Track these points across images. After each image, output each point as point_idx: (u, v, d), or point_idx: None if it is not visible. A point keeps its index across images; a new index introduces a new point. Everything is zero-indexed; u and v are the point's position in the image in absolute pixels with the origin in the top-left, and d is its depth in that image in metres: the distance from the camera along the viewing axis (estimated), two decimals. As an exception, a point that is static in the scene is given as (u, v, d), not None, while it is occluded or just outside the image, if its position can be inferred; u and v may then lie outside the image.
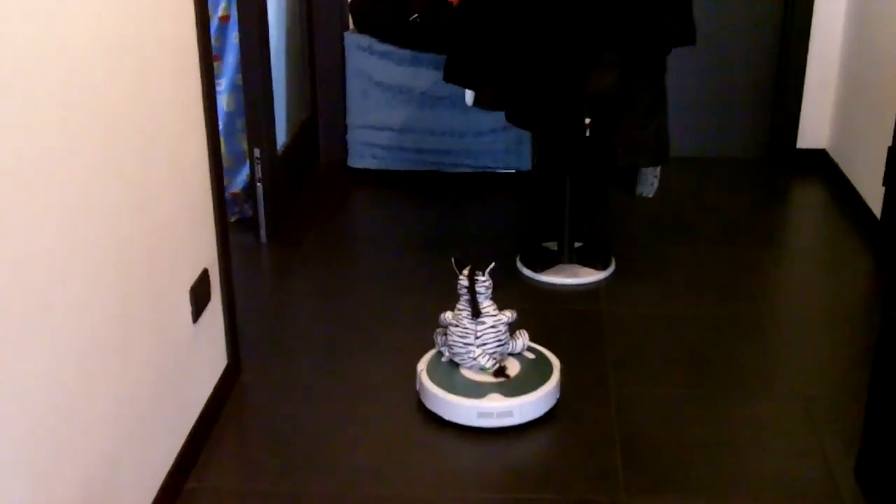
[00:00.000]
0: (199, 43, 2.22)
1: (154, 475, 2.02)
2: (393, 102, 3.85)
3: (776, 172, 4.06)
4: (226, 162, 3.60)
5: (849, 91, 3.82)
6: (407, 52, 3.77)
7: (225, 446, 2.31)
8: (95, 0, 1.68)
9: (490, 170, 3.91)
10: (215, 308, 2.40)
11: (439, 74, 3.58)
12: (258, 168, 3.31)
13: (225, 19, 3.39)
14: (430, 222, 3.58)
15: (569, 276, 3.12)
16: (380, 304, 2.98)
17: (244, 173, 3.54)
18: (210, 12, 2.87)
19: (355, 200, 3.86)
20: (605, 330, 2.83)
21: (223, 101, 3.49)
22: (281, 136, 3.65)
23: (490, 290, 2.45)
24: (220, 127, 3.55)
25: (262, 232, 3.40)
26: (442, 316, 2.52)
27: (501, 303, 2.53)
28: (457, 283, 2.46)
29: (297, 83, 3.95)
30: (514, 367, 2.48)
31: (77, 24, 1.61)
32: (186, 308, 2.19)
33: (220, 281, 2.42)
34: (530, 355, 2.54)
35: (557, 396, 2.47)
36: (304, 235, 3.46)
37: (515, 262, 3.21)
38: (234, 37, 3.37)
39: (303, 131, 3.92)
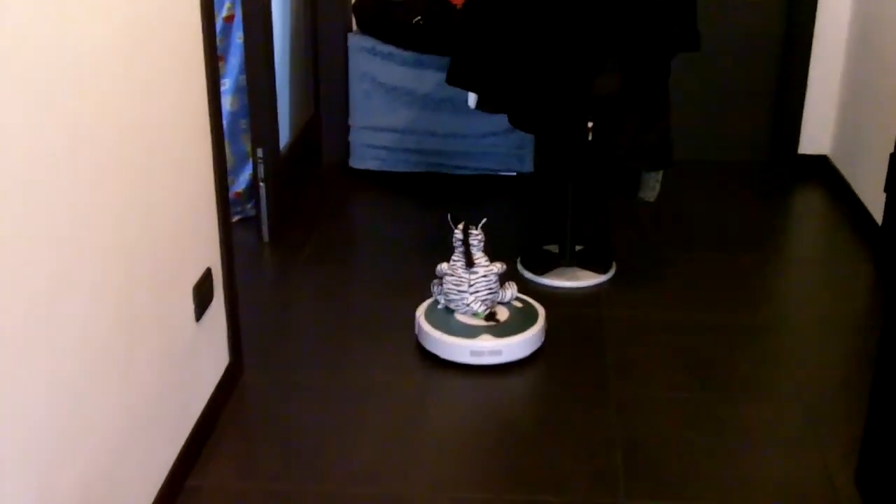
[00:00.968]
0: (204, 43, 2.23)
1: (156, 473, 2.03)
2: (395, 104, 3.85)
3: (778, 178, 4.06)
4: (229, 162, 3.60)
5: (851, 97, 3.83)
6: (410, 54, 3.78)
7: (226, 445, 2.32)
8: (102, 2, 1.68)
9: (492, 172, 3.91)
10: (218, 307, 2.40)
11: (442, 76, 3.59)
12: (261, 168, 3.32)
13: (229, 19, 3.40)
14: (431, 224, 3.58)
15: (569, 280, 3.12)
16: (381, 305, 2.99)
17: (247, 173, 3.54)
18: (214, 12, 2.87)
19: (357, 201, 3.87)
20: (606, 333, 2.83)
21: (227, 102, 3.49)
22: (284, 137, 3.65)
23: (482, 244, 2.72)
24: (224, 127, 3.55)
25: (265, 231, 3.41)
26: (439, 267, 2.76)
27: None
28: (452, 237, 2.70)
29: (300, 83, 3.96)
30: (503, 314, 2.74)
31: (84, 25, 1.62)
32: (189, 307, 2.20)
33: (223, 280, 2.43)
34: (518, 304, 2.80)
35: (542, 340, 2.72)
36: (306, 235, 3.47)
37: (516, 264, 3.22)
38: (238, 37, 3.38)
39: (305, 132, 3.93)
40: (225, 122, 3.54)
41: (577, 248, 3.24)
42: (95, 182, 1.67)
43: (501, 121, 3.67)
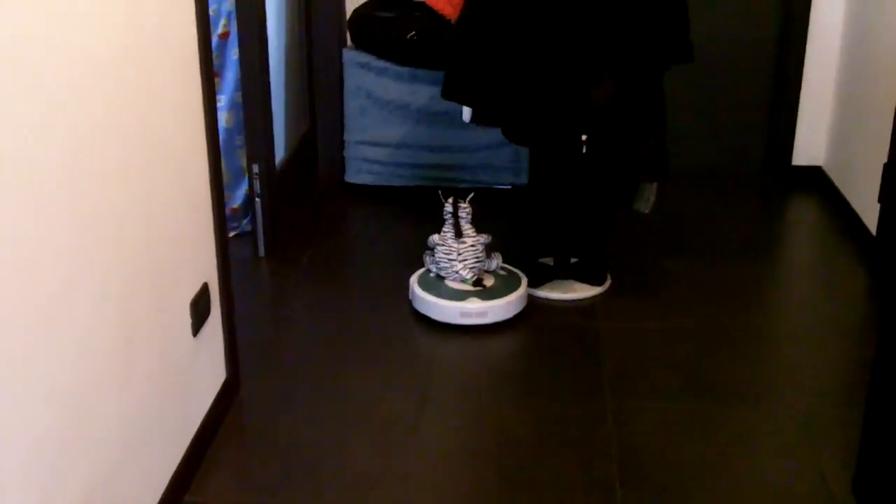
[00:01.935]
0: (200, 60, 2.24)
1: (154, 487, 2.03)
2: (390, 118, 3.87)
3: (772, 189, 4.08)
4: (225, 177, 3.60)
5: (844, 108, 3.85)
6: (405, 69, 3.80)
7: (223, 459, 2.32)
8: (102, 18, 1.70)
9: (486, 185, 3.93)
10: (215, 322, 2.41)
11: (436, 91, 3.60)
12: (256, 183, 3.33)
13: (225, 36, 3.42)
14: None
15: (565, 292, 3.13)
16: (377, 319, 2.99)
17: (243, 188, 3.55)
18: (211, 29, 2.89)
19: (353, 216, 3.88)
20: (602, 345, 2.84)
21: (223, 118, 3.50)
22: (279, 152, 3.66)
23: (470, 216, 2.98)
24: (220, 143, 3.57)
25: (261, 246, 3.42)
26: (431, 238, 3.00)
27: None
28: (443, 211, 2.95)
29: (295, 99, 3.98)
30: (489, 281, 3.01)
31: (82, 42, 1.63)
32: (187, 321, 2.20)
33: (220, 295, 2.43)
34: (503, 272, 3.07)
35: (524, 304, 3.00)
36: (302, 250, 3.48)
37: (512, 277, 3.23)
38: (233, 53, 3.40)
39: (301, 147, 3.95)
40: (221, 139, 3.54)
41: (573, 260, 3.25)
42: (94, 198, 1.68)
43: (495, 134, 3.68)
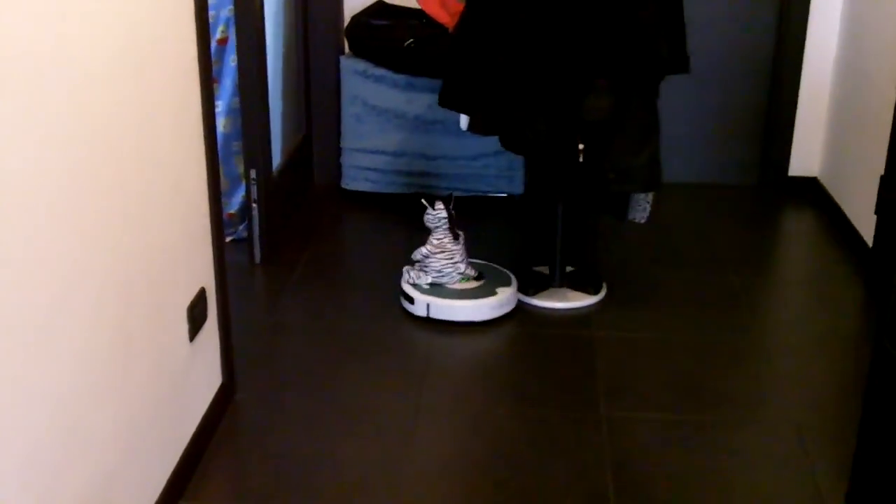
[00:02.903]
0: (199, 66, 2.24)
1: (149, 493, 2.03)
2: (387, 126, 3.87)
3: (768, 200, 4.08)
4: (222, 184, 3.61)
5: (840, 119, 3.86)
6: (401, 77, 3.80)
7: (219, 465, 2.31)
8: (100, 24, 1.70)
9: (482, 194, 3.93)
10: (211, 327, 2.41)
11: (433, 99, 3.61)
12: (254, 189, 3.33)
13: (223, 42, 3.42)
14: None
15: (560, 301, 3.14)
16: (372, 326, 2.99)
17: (240, 195, 3.55)
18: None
19: (349, 223, 3.88)
20: (596, 355, 2.84)
21: (220, 124, 3.50)
22: (276, 159, 3.67)
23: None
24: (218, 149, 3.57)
25: (257, 252, 3.42)
26: (419, 252, 3.04)
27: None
28: (427, 218, 3.02)
29: (292, 106, 3.98)
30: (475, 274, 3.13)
31: (80, 48, 1.63)
32: (184, 327, 2.20)
33: (217, 301, 2.43)
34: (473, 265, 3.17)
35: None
36: (298, 257, 3.47)
37: (508, 285, 3.23)
38: (231, 59, 3.40)
39: (297, 154, 3.95)
40: (219, 145, 3.55)
41: (568, 269, 3.26)
42: (91, 204, 1.68)
43: (491, 143, 3.68)
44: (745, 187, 4.17)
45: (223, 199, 3.59)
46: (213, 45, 3.38)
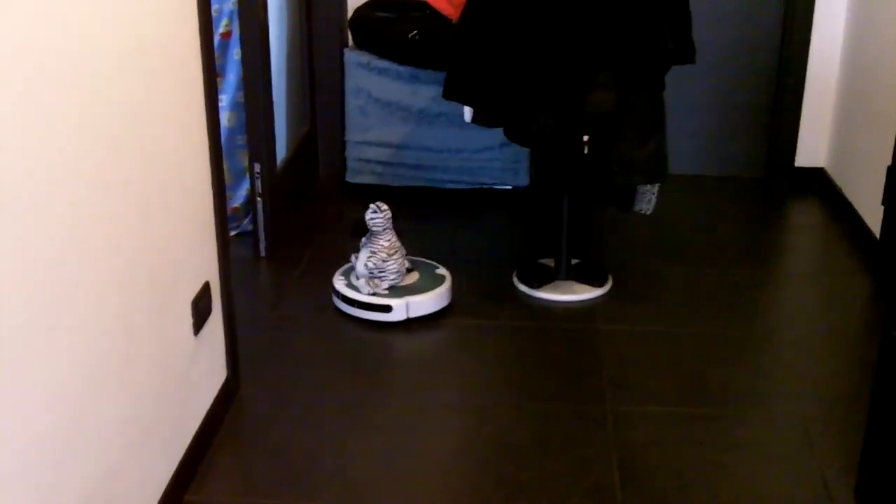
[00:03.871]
0: (203, 60, 2.24)
1: (154, 487, 2.03)
2: (391, 119, 3.86)
3: (775, 191, 4.07)
4: (226, 178, 3.61)
5: (847, 110, 3.84)
6: (406, 69, 3.79)
7: (223, 459, 2.31)
8: (102, 20, 1.69)
9: (487, 186, 3.92)
10: (216, 321, 2.40)
11: (437, 91, 3.60)
12: (258, 183, 3.32)
13: (227, 35, 3.41)
14: (426, 238, 3.59)
15: (565, 294, 3.13)
16: (376, 320, 2.98)
17: (244, 188, 3.55)
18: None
19: (353, 216, 3.87)
20: (601, 348, 2.83)
21: (224, 118, 3.49)
22: (281, 152, 3.66)
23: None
24: (222, 143, 3.56)
25: (262, 246, 3.41)
26: (369, 263, 2.92)
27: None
28: (374, 220, 2.90)
29: (296, 99, 3.97)
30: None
31: (83, 41, 1.63)
32: (188, 321, 2.20)
33: (221, 294, 2.43)
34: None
35: None
36: (302, 250, 3.47)
37: (512, 278, 3.22)
38: (235, 53, 3.39)
39: (302, 147, 3.94)
40: (223, 139, 3.54)
41: (573, 261, 3.25)
42: (95, 198, 1.68)
43: (496, 135, 3.68)
44: (751, 179, 4.15)
45: (228, 193, 3.58)
46: (217, 39, 3.37)
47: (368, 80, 3.84)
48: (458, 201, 3.91)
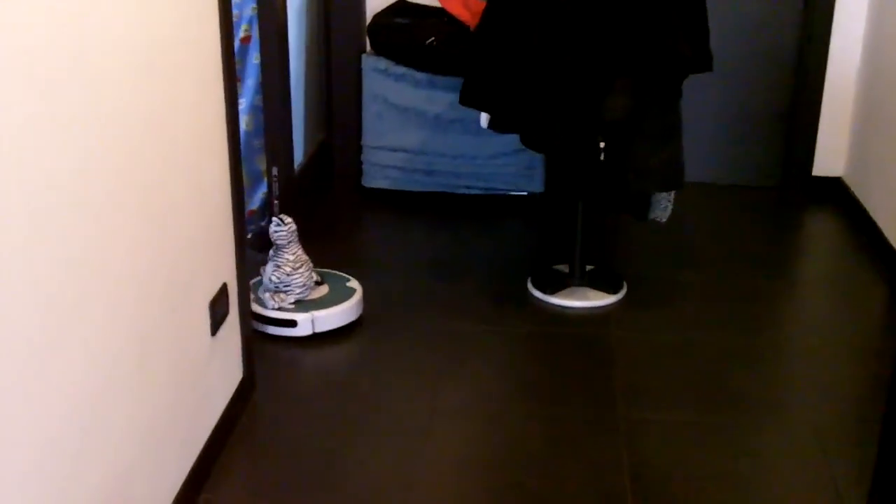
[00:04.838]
0: (223, 64, 2.26)
1: (169, 487, 2.04)
2: (407, 125, 3.88)
3: (791, 200, 4.04)
4: (244, 181, 3.63)
5: (865, 119, 3.82)
6: (423, 75, 3.81)
7: (238, 460, 2.33)
8: (122, 22, 1.72)
9: (502, 192, 3.93)
10: (232, 323, 2.42)
11: (453, 97, 3.61)
12: (276, 186, 3.34)
13: (246, 40, 3.43)
14: (441, 244, 3.60)
15: (579, 300, 3.13)
16: (389, 321, 3.00)
17: (261, 192, 3.57)
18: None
19: (368, 220, 3.89)
20: (615, 355, 2.83)
21: (242, 121, 3.50)
22: (298, 156, 3.68)
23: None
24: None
25: (277, 249, 3.43)
26: (281, 273, 2.83)
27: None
28: (279, 234, 2.85)
29: (313, 104, 3.99)
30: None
31: (103, 45, 1.65)
32: (205, 321, 2.22)
33: (238, 295, 2.45)
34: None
35: None
36: (319, 254, 3.48)
37: (526, 284, 3.23)
38: (254, 57, 3.41)
39: (319, 151, 3.96)
40: (241, 142, 3.57)
41: (588, 268, 3.25)
42: (115, 199, 1.70)
43: (511, 141, 3.69)
44: (768, 188, 4.14)
45: (245, 197, 3.61)
46: (237, 43, 3.39)
47: (385, 86, 3.86)
48: (473, 207, 3.91)
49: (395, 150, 3.92)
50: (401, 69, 3.84)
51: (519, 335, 2.95)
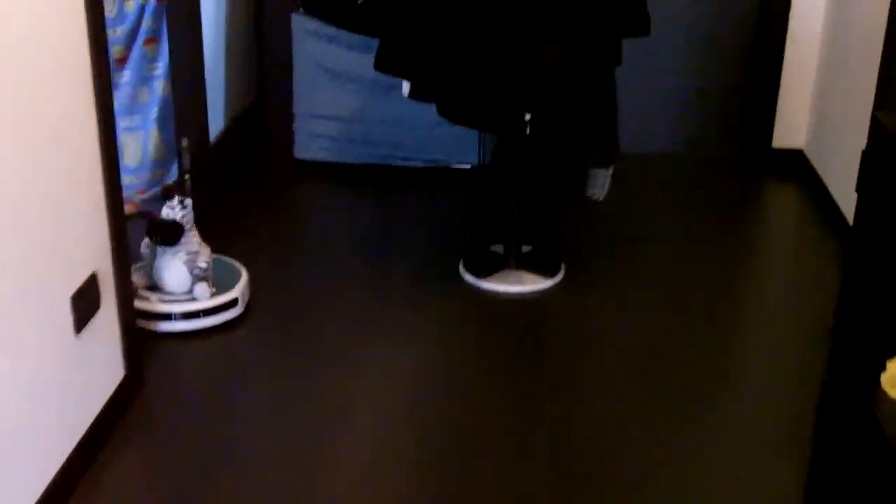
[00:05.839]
0: (87, 14, 2.00)
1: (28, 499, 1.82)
2: (342, 90, 3.64)
3: (750, 173, 3.87)
4: (161, 151, 3.40)
5: (825, 89, 3.65)
6: (357, 38, 3.56)
7: (115, 471, 2.10)
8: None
9: (443, 164, 3.70)
10: (108, 316, 2.18)
11: (390, 62, 3.37)
12: (186, 158, 3.09)
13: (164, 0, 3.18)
14: (373, 221, 3.40)
15: (513, 284, 2.91)
16: (303, 308, 2.78)
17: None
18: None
19: (299, 194, 3.67)
20: (547, 342, 2.65)
21: (160, 87, 3.28)
22: (217, 125, 3.44)
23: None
24: (156, 113, 3.35)
25: (191, 227, 3.19)
26: (193, 272, 2.62)
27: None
28: (184, 218, 2.60)
29: (240, 67, 3.74)
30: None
31: None
32: (67, 319, 1.97)
33: (115, 286, 2.20)
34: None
35: None
36: (230, 235, 3.24)
37: (459, 266, 3.00)
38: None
39: (245, 119, 3.72)
40: (157, 108, 3.34)
41: (525, 248, 3.02)
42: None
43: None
44: (726, 158, 3.96)
45: (161, 169, 3.38)
46: (153, 3, 3.16)
47: (318, 49, 3.62)
48: (413, 180, 3.68)
49: (329, 118, 3.68)
50: (333, 30, 3.59)
51: (444, 322, 2.75)
